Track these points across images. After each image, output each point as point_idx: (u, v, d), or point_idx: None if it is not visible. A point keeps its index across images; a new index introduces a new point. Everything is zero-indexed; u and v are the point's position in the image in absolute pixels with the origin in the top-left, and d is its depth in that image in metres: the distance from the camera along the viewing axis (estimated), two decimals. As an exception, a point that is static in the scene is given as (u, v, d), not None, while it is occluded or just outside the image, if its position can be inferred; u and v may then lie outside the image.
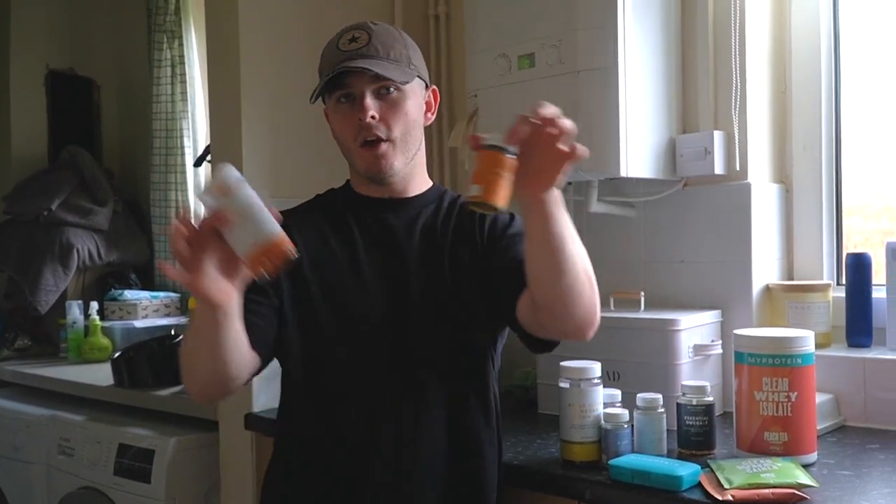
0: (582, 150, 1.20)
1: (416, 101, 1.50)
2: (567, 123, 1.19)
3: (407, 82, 1.47)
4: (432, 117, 1.56)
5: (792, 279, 2.07)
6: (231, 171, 1.22)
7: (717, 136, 1.97)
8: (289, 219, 1.55)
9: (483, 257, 1.49)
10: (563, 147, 1.19)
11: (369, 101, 1.43)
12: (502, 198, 1.20)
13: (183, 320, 3.09)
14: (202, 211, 1.23)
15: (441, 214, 1.55)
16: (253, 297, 1.45)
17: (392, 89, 1.45)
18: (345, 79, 1.43)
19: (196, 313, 1.34)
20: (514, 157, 1.20)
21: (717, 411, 1.75)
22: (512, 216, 1.54)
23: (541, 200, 1.24)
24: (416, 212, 1.54)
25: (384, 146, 1.45)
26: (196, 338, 1.34)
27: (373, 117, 1.43)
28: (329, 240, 1.53)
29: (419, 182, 1.57)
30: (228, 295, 1.25)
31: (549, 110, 1.19)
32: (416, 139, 1.51)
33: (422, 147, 1.55)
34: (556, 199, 1.26)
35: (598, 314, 1.37)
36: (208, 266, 1.22)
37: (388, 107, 1.45)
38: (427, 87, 1.54)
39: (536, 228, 1.27)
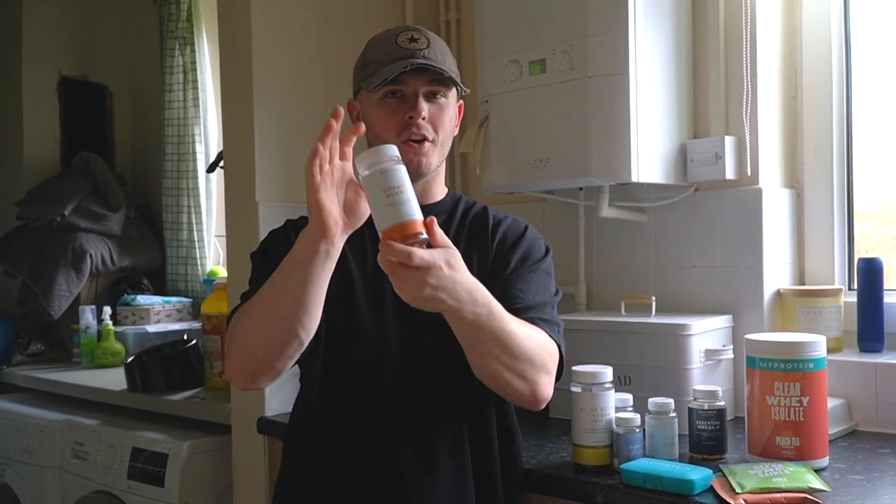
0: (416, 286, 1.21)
1: (455, 110, 1.54)
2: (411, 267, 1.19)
3: (462, 91, 1.52)
4: (457, 130, 1.58)
5: (803, 284, 2.08)
6: (395, 150, 1.27)
7: (728, 141, 1.98)
8: (294, 231, 1.58)
9: (491, 274, 1.50)
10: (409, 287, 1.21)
11: (423, 101, 1.47)
12: None
13: (195, 325, 3.10)
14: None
15: (455, 222, 1.56)
16: None
17: (440, 95, 1.49)
18: (401, 76, 1.45)
19: (293, 257, 1.32)
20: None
21: (729, 416, 1.75)
22: (525, 227, 1.57)
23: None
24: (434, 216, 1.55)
25: (427, 145, 1.48)
26: (286, 282, 1.31)
27: (424, 118, 1.46)
28: (349, 246, 1.54)
29: (437, 190, 1.59)
30: (340, 228, 1.28)
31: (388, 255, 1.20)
32: (448, 146, 1.55)
33: (444, 158, 1.57)
34: (457, 314, 1.27)
35: (541, 394, 1.42)
36: (333, 192, 1.27)
37: (437, 110, 1.49)
38: (458, 99, 1.57)
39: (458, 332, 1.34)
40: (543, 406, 1.45)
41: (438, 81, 1.47)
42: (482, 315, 1.29)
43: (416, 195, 1.53)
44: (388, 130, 1.48)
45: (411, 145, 1.47)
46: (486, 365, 1.35)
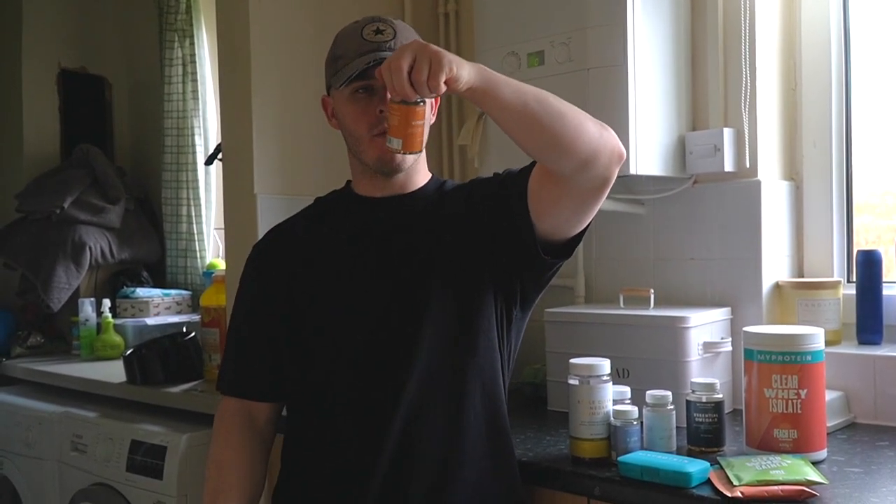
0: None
1: (429, 101, 1.51)
2: (400, 61, 1.24)
3: None
4: (433, 119, 1.56)
5: (802, 276, 2.07)
6: None
7: (727, 133, 1.97)
8: (277, 235, 1.63)
9: (474, 219, 1.50)
10: (428, 71, 1.24)
11: None
12: (418, 144, 1.36)
13: (195, 318, 3.10)
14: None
15: (440, 204, 1.55)
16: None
17: None
18: (369, 70, 1.44)
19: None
20: (422, 104, 1.32)
21: (727, 408, 1.75)
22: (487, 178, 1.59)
23: (466, 92, 1.29)
24: (414, 207, 1.54)
25: None
26: None
27: None
28: (324, 249, 1.54)
29: (420, 176, 1.58)
30: None
31: (391, 63, 1.26)
32: (426, 136, 1.51)
33: None
34: (480, 78, 1.29)
35: (612, 142, 1.36)
36: None
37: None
38: None
39: (487, 107, 1.33)
40: (623, 159, 1.38)
41: None
42: (495, 73, 1.32)
43: (397, 187, 1.55)
44: (360, 126, 1.47)
45: (383, 138, 1.44)
46: (545, 117, 1.30)
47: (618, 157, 1.37)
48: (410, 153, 1.36)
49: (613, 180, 1.40)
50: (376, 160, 1.49)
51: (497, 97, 1.29)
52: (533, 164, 1.44)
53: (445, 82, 1.25)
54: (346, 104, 1.49)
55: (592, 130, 1.33)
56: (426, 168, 1.61)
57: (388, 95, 1.32)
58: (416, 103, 1.30)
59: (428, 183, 1.59)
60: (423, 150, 1.54)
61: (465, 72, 1.26)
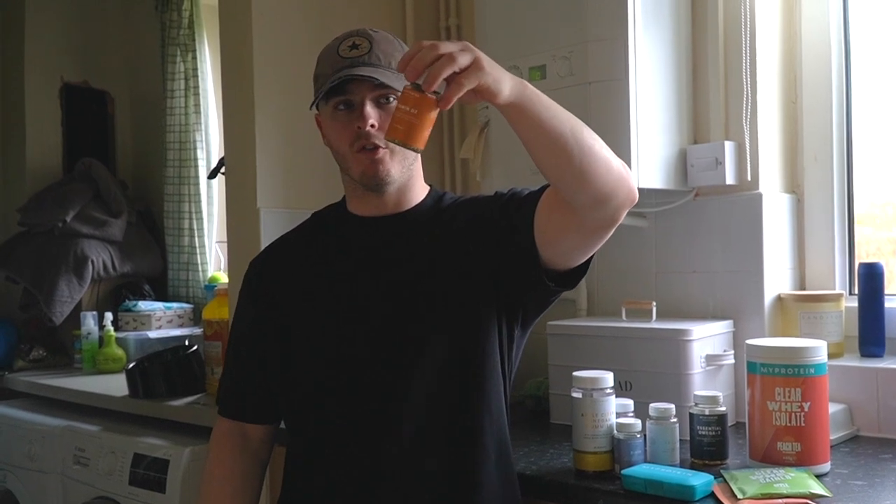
0: (471, 60, 1.17)
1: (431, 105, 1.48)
2: (446, 48, 1.17)
3: None
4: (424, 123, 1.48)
5: (804, 289, 2.08)
6: None
7: (728, 146, 1.98)
8: (270, 254, 1.63)
9: (477, 243, 1.46)
10: (459, 67, 1.17)
11: (369, 109, 1.41)
12: (420, 139, 1.21)
13: (196, 331, 3.10)
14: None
15: (438, 223, 1.51)
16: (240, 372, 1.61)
17: (392, 98, 1.42)
18: (345, 86, 1.41)
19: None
20: (434, 96, 1.19)
21: (730, 421, 1.75)
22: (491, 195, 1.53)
23: (502, 106, 1.24)
24: (411, 226, 1.51)
25: (381, 151, 1.42)
26: None
27: (372, 126, 1.41)
28: (320, 271, 1.53)
29: (415, 193, 1.53)
30: None
31: (425, 45, 1.18)
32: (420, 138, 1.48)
33: (418, 158, 1.51)
34: (520, 95, 1.24)
35: (628, 185, 1.32)
36: None
37: (388, 115, 1.40)
38: None
39: (517, 126, 1.27)
40: (635, 203, 1.35)
41: (385, 85, 1.41)
42: (536, 93, 1.26)
43: (391, 206, 1.50)
44: (342, 143, 1.45)
45: (366, 153, 1.42)
46: (573, 146, 1.25)
47: (630, 202, 1.33)
48: (396, 141, 1.21)
49: (619, 222, 1.35)
50: (361, 175, 1.45)
51: (532, 119, 1.25)
52: (542, 189, 1.40)
53: (476, 91, 1.19)
54: (329, 121, 1.47)
55: (615, 172, 1.29)
56: (422, 183, 1.56)
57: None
58: (416, 88, 1.20)
59: (424, 199, 1.54)
60: (414, 172, 1.51)
61: (505, 87, 1.21)
